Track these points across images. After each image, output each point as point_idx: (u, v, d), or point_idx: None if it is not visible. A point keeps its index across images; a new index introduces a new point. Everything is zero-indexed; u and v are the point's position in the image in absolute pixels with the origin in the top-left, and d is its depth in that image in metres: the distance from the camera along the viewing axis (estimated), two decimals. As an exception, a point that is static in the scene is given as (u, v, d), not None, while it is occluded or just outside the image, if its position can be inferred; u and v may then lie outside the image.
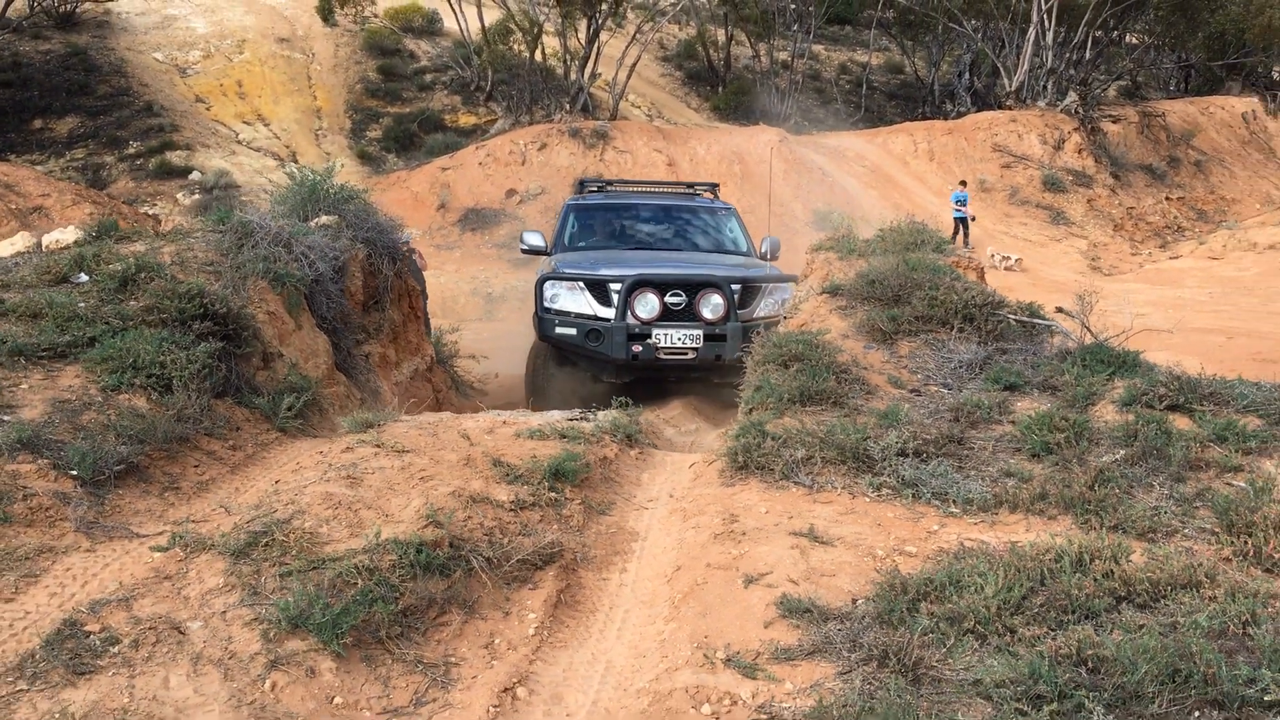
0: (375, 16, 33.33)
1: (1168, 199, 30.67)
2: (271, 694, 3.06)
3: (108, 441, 4.60)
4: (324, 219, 7.90)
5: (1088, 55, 33.05)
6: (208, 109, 30.75)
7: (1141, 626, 3.30)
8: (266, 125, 30.73)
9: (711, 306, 8.72)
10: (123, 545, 4.01)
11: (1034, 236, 26.73)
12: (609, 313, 8.71)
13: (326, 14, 32.28)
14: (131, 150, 27.82)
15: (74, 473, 4.35)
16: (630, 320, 8.66)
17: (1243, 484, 4.44)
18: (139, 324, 5.44)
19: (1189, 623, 3.29)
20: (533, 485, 4.59)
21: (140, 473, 4.63)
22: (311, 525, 3.90)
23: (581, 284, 8.95)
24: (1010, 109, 31.94)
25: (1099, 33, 32.77)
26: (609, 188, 12.19)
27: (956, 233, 23.49)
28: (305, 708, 3.05)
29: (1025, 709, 2.88)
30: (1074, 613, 3.45)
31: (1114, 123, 32.54)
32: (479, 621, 3.68)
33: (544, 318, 9.03)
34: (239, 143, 29.53)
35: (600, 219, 10.97)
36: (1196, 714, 2.92)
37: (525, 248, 10.26)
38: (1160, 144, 33.22)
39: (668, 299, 8.72)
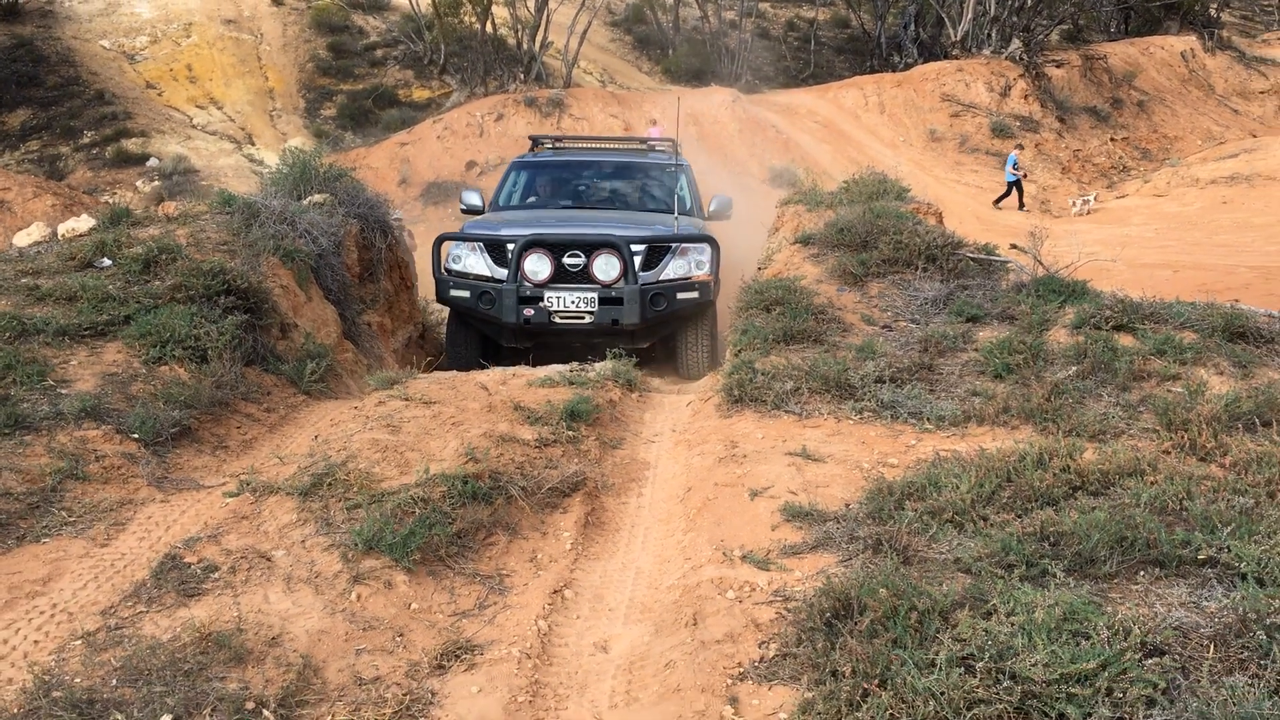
0: (323, -7, 33.28)
1: (1112, 140, 31.46)
2: (358, 603, 3.56)
3: (159, 408, 5.05)
4: (317, 197, 8.30)
5: (1029, 1, 33.67)
6: (159, 94, 30.66)
7: (1094, 508, 3.86)
8: (220, 108, 30.71)
9: (606, 268, 8.20)
10: (193, 495, 4.48)
11: (985, 183, 27.38)
12: (505, 274, 8.25)
13: (275, -7, 32.18)
14: (86, 140, 27.77)
15: (135, 436, 4.81)
16: (522, 282, 8.18)
17: (1180, 389, 5.03)
18: (169, 301, 5.87)
19: (1133, 502, 3.86)
20: (552, 425, 5.11)
21: (191, 434, 5.09)
22: (365, 466, 4.39)
23: (481, 244, 8.49)
24: (956, 58, 32.55)
25: (1039, -22, 33.42)
26: (560, 144, 11.72)
27: (1012, 194, 24.57)
28: (388, 613, 3.56)
29: (999, 574, 3.43)
30: (1036, 501, 4.02)
31: (1057, 67, 33.24)
32: (522, 541, 4.21)
33: (439, 279, 8.58)
34: (194, 127, 29.51)
35: (541, 177, 10.56)
36: (1141, 572, 3.48)
37: (464, 207, 9.99)
38: (1103, 86, 33.97)
39: (566, 260, 8.23)
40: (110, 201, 23.64)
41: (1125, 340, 5.65)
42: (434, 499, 4.11)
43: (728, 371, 5.75)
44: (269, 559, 3.77)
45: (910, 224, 7.34)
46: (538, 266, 8.20)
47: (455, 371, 6.82)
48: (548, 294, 8.17)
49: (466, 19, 30.33)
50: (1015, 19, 33.13)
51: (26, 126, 28.30)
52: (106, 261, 6.37)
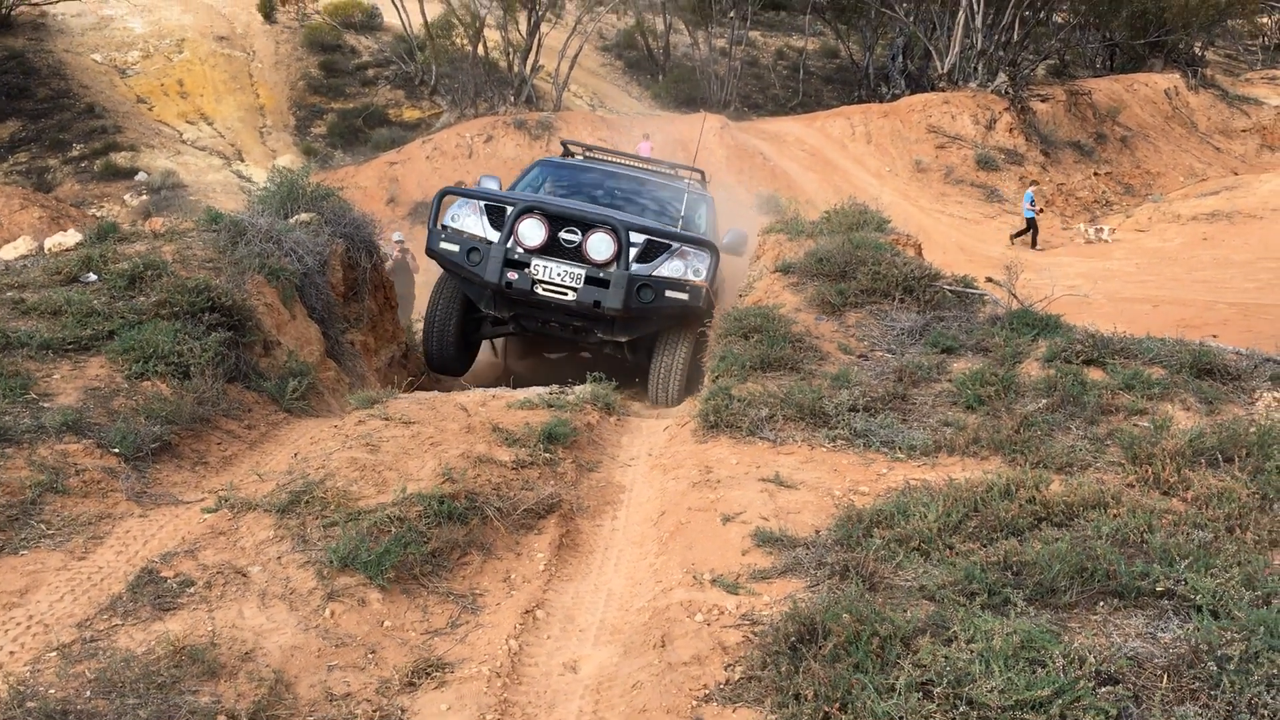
0: (316, 13, 33.42)
1: (1096, 174, 31.82)
2: (332, 620, 3.61)
3: (140, 423, 5.09)
4: (303, 216, 8.37)
5: (1016, 36, 34.09)
6: (150, 109, 30.69)
7: (1057, 539, 3.94)
8: (210, 124, 30.75)
9: (598, 247, 8.11)
10: (171, 510, 4.53)
11: (969, 214, 27.67)
12: (497, 237, 8.27)
13: (268, 11, 32.38)
14: (75, 153, 27.76)
15: (116, 450, 4.85)
16: (513, 245, 8.16)
17: (1146, 424, 5.13)
18: (153, 317, 5.92)
19: (1095, 534, 3.95)
20: (529, 447, 5.17)
21: (172, 450, 5.13)
22: (343, 484, 4.45)
23: (482, 205, 8.56)
24: (943, 91, 32.91)
25: (1026, 13, 33.82)
26: (591, 153, 11.79)
27: (1025, 232, 24.85)
28: (361, 630, 3.61)
29: (962, 602, 3.50)
30: (1002, 531, 4.09)
31: (1043, 101, 33.65)
32: (496, 561, 4.26)
33: (433, 230, 8.60)
34: (183, 142, 29.55)
35: (563, 176, 10.57)
36: (1101, 603, 3.56)
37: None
38: (1087, 121, 34.38)
39: (562, 235, 8.20)
40: (98, 215, 23.64)
41: (1095, 374, 5.75)
42: (410, 518, 4.17)
43: (704, 397, 5.83)
44: (245, 575, 3.82)
45: (889, 255, 7.45)
46: (531, 232, 8.15)
47: (436, 392, 6.87)
48: (535, 262, 8.12)
49: (458, 41, 30.56)
50: (1002, 53, 33.53)
51: (16, 138, 28.29)
52: (92, 276, 6.42)
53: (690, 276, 8.24)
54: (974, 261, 20.95)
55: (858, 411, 5.53)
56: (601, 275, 8.08)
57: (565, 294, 8.12)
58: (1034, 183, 27.27)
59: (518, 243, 8.15)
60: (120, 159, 27.40)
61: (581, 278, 8.09)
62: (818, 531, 4.29)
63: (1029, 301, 6.90)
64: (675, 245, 8.34)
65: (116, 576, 3.89)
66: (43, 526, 4.21)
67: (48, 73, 30.71)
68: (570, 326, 8.74)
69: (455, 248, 8.34)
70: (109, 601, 3.65)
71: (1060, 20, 40.81)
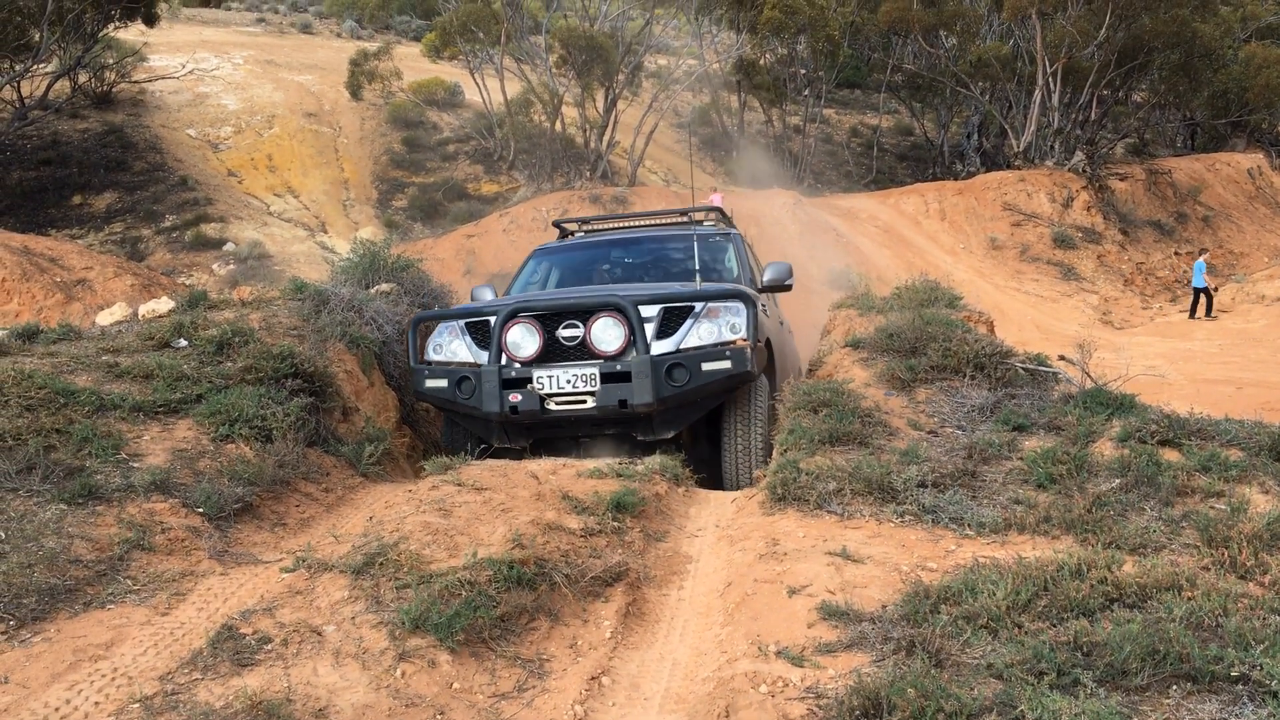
0: (401, 90, 34.53)
1: (1176, 254, 31.36)
2: (402, 680, 3.69)
3: (224, 484, 5.29)
4: (384, 286, 8.64)
5: (1093, 115, 34.01)
6: (240, 182, 31.82)
7: (1129, 620, 3.89)
8: (296, 197, 31.76)
9: (604, 336, 6.76)
10: (251, 569, 4.67)
11: (1045, 292, 27.39)
12: (486, 357, 6.92)
13: (355, 89, 33.55)
14: (167, 223, 28.82)
15: (200, 510, 5.03)
16: (506, 362, 6.83)
17: (1223, 506, 5.04)
18: (239, 382, 6.15)
19: (1169, 616, 3.89)
20: (598, 516, 5.24)
21: (253, 511, 5.31)
22: (416, 548, 4.55)
23: (461, 325, 7.22)
24: (1019, 168, 32.82)
25: (1105, 92, 33.74)
26: (589, 226, 10.39)
27: (1197, 302, 24.94)
28: (431, 691, 3.68)
29: (1030, 681, 3.47)
30: (1072, 611, 4.05)
31: (1121, 180, 33.38)
32: (563, 627, 4.32)
33: (415, 368, 7.24)
34: (270, 214, 30.52)
35: (563, 263, 9.32)
36: (1174, 686, 3.50)
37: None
38: (1168, 200, 34.00)
39: (561, 332, 6.85)
40: (187, 283, 24.46)
41: (1170, 455, 5.68)
42: (480, 582, 4.25)
43: (772, 470, 5.87)
44: (320, 633, 3.92)
45: (960, 331, 7.45)
46: (522, 340, 6.86)
47: (508, 460, 6.96)
48: (537, 374, 6.75)
49: (537, 117, 31.28)
50: (1079, 132, 33.42)
51: (112, 209, 29.49)
52: (183, 342, 6.69)
53: (729, 336, 6.85)
54: (1050, 340, 20.70)
55: (926, 487, 5.52)
56: (619, 368, 6.72)
57: (584, 401, 6.77)
58: (1204, 250, 27.11)
59: (511, 357, 6.87)
60: (210, 230, 28.36)
61: (596, 377, 6.73)
62: (884, 606, 4.29)
63: (1103, 380, 6.84)
64: (699, 305, 6.96)
65: (198, 632, 4.03)
66: (129, 582, 4.38)
67: (144, 147, 32.07)
68: (598, 435, 7.32)
69: (443, 383, 7.04)
70: (190, 656, 3.77)
71: (1139, 99, 40.64)
